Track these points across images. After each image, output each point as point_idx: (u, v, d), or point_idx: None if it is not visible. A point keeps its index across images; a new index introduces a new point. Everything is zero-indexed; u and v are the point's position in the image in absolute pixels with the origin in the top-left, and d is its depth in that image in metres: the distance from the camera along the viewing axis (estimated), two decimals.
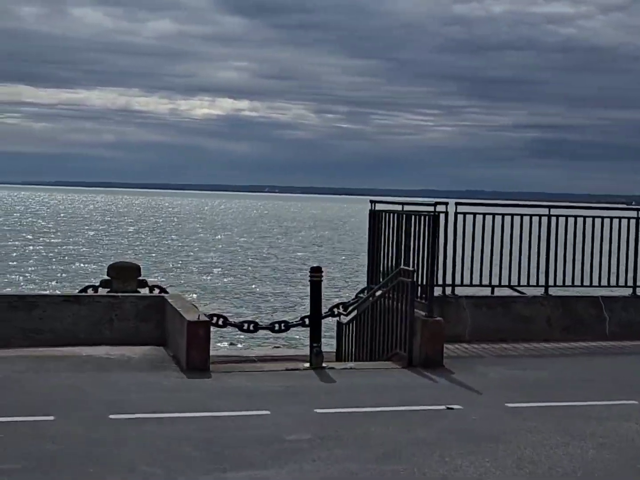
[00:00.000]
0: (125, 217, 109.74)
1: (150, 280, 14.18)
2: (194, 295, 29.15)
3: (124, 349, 10.88)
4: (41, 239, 62.31)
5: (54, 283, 34.81)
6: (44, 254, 49.19)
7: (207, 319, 9.90)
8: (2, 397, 8.27)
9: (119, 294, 11.70)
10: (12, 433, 7.09)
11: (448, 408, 8.26)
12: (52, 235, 67.03)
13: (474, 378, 9.61)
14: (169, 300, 11.28)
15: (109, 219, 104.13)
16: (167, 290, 13.48)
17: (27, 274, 37.92)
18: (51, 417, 7.55)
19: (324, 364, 10.13)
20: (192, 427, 7.38)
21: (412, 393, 8.96)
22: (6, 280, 35.39)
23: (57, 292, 12.04)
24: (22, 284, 34.42)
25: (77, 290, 13.18)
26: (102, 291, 13.03)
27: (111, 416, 7.64)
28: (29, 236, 64.19)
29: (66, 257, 47.37)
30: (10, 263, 42.75)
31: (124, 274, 13.21)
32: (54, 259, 46.11)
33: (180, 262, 46.90)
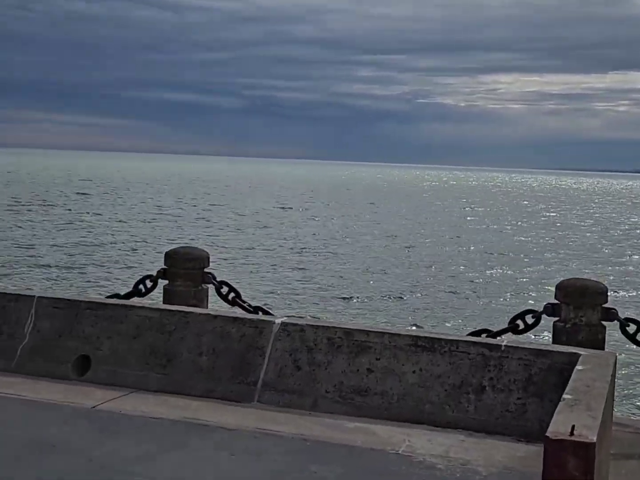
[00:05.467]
0: None
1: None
2: None
3: (483, 445, 6.03)
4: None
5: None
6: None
7: (591, 439, 4.52)
8: None
9: (503, 343, 6.76)
10: None
11: None
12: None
13: None
14: (578, 367, 6.10)
15: None
16: None
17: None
18: None
19: None
20: None
21: None
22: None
23: (400, 329, 7.43)
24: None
25: (508, 323, 8.43)
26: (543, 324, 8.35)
27: None
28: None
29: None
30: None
31: (577, 298, 8.35)
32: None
33: None
